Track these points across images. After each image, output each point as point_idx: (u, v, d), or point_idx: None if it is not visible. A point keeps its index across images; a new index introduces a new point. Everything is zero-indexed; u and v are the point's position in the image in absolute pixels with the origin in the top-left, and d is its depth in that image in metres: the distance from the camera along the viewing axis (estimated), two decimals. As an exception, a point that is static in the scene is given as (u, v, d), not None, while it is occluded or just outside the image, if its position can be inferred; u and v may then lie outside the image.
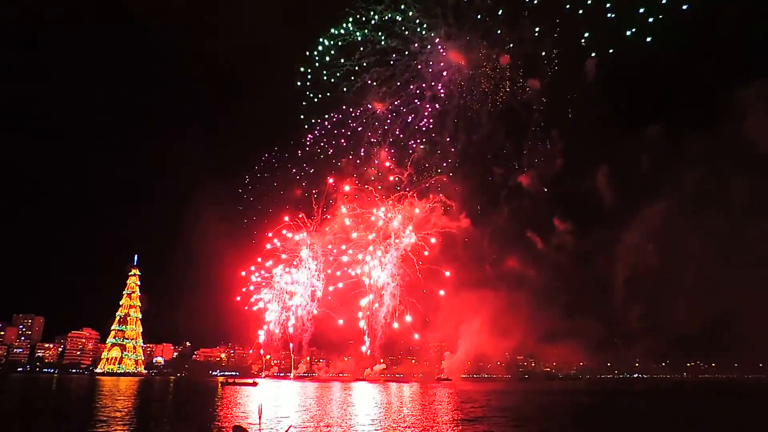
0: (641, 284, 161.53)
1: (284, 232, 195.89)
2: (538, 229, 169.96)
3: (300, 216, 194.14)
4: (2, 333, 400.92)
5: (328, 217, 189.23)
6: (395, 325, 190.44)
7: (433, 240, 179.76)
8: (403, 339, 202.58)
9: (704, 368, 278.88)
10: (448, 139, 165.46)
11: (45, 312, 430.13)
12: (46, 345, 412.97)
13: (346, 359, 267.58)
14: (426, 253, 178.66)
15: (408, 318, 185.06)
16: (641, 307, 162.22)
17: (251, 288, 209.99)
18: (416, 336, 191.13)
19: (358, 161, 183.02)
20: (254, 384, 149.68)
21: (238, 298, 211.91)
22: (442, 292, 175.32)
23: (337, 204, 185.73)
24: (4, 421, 42.38)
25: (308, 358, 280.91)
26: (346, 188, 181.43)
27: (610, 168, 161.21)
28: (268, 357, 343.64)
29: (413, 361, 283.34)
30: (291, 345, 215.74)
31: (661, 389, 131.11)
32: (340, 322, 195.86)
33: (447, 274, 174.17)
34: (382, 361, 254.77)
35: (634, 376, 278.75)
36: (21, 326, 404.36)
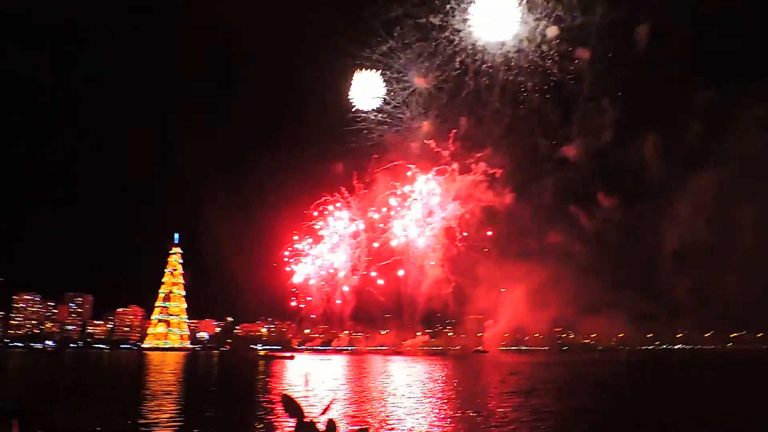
0: (690, 257, 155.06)
1: (325, 207, 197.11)
2: (583, 202, 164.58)
3: (341, 190, 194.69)
4: (55, 311, 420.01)
5: (369, 191, 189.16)
6: (434, 298, 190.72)
7: (469, 216, 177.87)
8: (443, 312, 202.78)
9: (750, 339, 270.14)
10: (492, 113, 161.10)
11: (94, 291, 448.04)
12: (96, 322, 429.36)
13: (384, 332, 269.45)
14: (465, 234, 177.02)
15: (448, 290, 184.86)
16: (689, 281, 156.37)
17: (291, 262, 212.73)
18: (454, 308, 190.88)
19: (401, 136, 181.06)
20: (291, 357, 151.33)
21: (278, 270, 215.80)
22: (482, 266, 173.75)
23: (379, 177, 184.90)
24: (64, 394, 43.37)
25: (347, 332, 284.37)
26: (389, 164, 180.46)
27: (658, 137, 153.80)
28: (307, 331, 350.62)
29: (450, 334, 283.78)
30: (331, 318, 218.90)
31: (710, 361, 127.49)
32: (379, 295, 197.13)
33: (485, 250, 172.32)
34: (420, 334, 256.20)
35: (677, 347, 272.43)
36: (72, 304, 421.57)
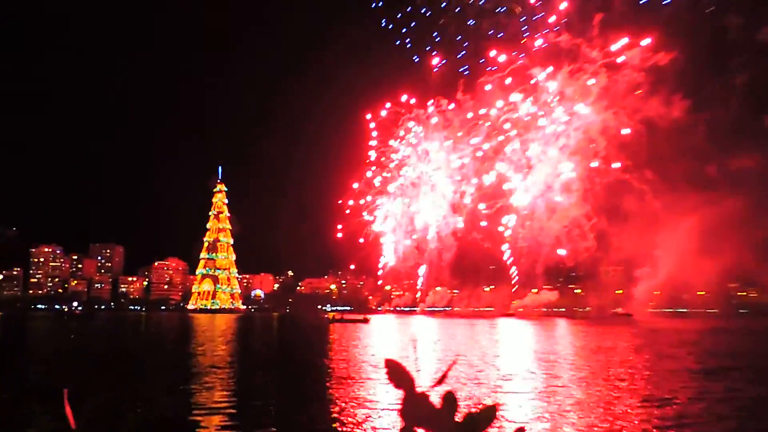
0: None
1: (410, 123, 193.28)
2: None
3: (436, 99, 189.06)
4: (80, 266, 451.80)
5: (475, 101, 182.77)
6: (562, 243, 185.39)
7: (619, 132, 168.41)
8: (572, 261, 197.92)
9: None
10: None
11: (125, 241, 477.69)
12: (129, 279, 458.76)
13: (488, 288, 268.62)
14: (599, 154, 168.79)
15: (583, 232, 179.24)
16: None
17: (368, 201, 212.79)
18: (589, 257, 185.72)
19: (521, 24, 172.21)
20: (365, 320, 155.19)
21: (350, 211, 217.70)
22: (632, 199, 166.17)
23: (487, 81, 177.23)
24: (101, 366, 44.68)
25: (439, 288, 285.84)
26: (502, 58, 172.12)
27: None
28: (388, 287, 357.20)
29: (578, 291, 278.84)
30: (422, 271, 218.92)
31: None
32: (484, 240, 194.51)
33: (639, 178, 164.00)
34: (535, 291, 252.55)
35: None
36: (99, 257, 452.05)
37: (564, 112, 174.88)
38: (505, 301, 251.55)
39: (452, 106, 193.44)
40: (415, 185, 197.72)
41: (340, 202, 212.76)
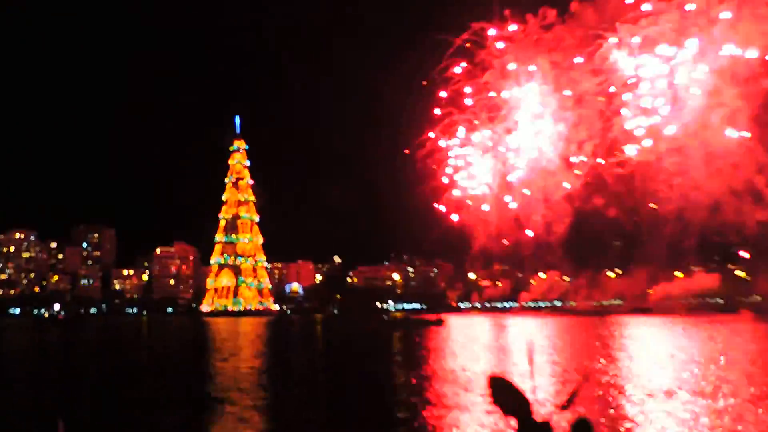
0: None
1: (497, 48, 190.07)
2: None
3: (542, 10, 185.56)
4: (60, 256, 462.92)
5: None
6: (721, 203, 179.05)
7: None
8: (731, 235, 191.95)
9: None
10: None
11: (117, 223, 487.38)
12: (125, 272, 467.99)
13: (615, 274, 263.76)
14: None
15: (747, 191, 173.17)
16: None
17: (445, 155, 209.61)
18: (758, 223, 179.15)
19: None
20: (439, 322, 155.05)
21: (418, 172, 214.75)
22: None
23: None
24: (81, 398, 45.08)
25: (543, 275, 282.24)
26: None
27: None
28: (473, 276, 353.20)
29: (742, 274, 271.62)
30: (520, 252, 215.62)
31: None
32: (609, 207, 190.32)
33: None
34: (679, 274, 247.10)
35: None
36: (85, 244, 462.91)
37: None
38: (639, 290, 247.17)
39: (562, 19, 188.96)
40: (512, 132, 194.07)
41: (408, 152, 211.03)
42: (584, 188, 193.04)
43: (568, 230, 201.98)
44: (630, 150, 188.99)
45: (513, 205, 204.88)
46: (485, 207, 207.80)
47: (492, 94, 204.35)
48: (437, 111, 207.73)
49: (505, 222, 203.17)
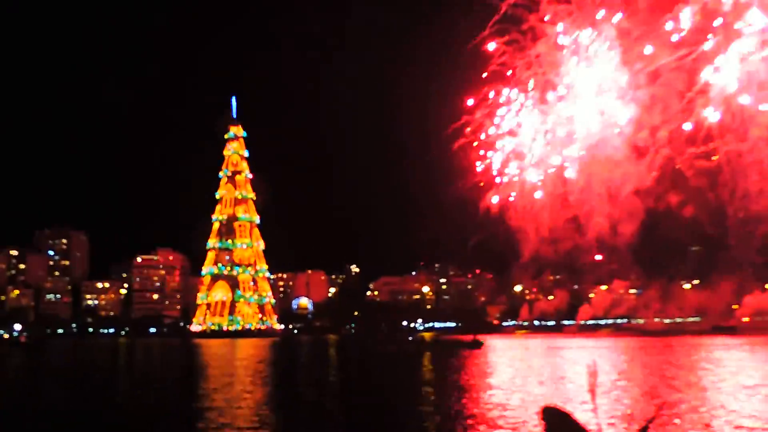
0: None
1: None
2: None
3: None
4: (22, 266, 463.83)
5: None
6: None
7: None
8: None
9: None
10: None
11: (89, 226, 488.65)
12: (99, 285, 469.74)
13: (692, 286, 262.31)
14: None
15: None
16: None
17: (490, 141, 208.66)
18: None
19: None
20: (478, 344, 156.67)
21: (454, 158, 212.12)
22: None
23: None
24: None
25: (603, 287, 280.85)
26: None
27: None
28: (518, 288, 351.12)
29: None
30: (579, 255, 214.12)
31: None
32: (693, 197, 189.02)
33: None
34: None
35: None
36: (51, 252, 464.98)
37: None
38: (722, 305, 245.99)
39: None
40: (570, 115, 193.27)
41: (442, 137, 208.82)
42: (657, 183, 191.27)
43: (637, 233, 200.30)
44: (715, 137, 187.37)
45: (570, 202, 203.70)
46: (537, 197, 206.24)
47: (545, 68, 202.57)
48: (478, 88, 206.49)
49: (561, 223, 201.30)
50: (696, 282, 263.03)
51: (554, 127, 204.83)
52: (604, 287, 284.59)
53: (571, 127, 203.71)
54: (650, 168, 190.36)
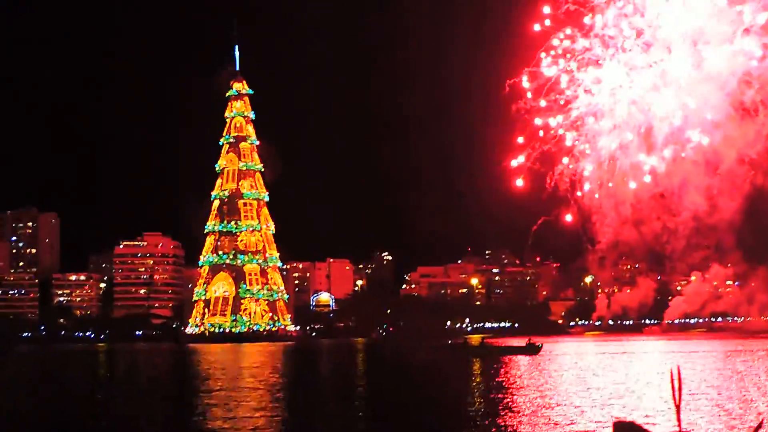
0: None
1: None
2: None
3: None
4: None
5: None
6: None
7: None
8: None
9: None
10: None
11: (59, 205, 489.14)
12: (72, 277, 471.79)
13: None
14: None
15: None
16: None
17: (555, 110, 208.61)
18: None
19: None
20: (533, 350, 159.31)
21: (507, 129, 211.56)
22: None
23: None
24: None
25: (693, 278, 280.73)
26: None
27: None
28: (589, 279, 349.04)
29: None
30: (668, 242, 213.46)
31: None
32: None
33: None
34: None
35: None
36: (13, 238, 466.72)
37: None
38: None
39: None
40: (657, 63, 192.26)
41: (501, 93, 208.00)
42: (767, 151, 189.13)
43: (740, 214, 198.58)
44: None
45: (658, 174, 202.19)
46: (618, 168, 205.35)
47: (626, 12, 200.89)
48: (543, 37, 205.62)
49: (645, 201, 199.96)
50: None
51: (638, 81, 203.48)
52: (695, 277, 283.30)
53: (659, 80, 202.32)
54: (759, 132, 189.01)
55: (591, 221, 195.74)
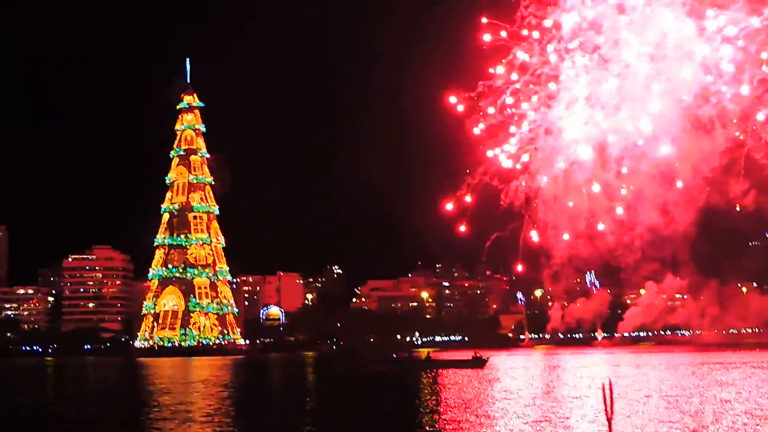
0: None
1: None
2: None
3: None
4: None
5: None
6: None
7: None
8: None
9: None
10: None
11: (7, 218, 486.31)
12: (20, 291, 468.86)
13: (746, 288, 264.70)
14: None
15: None
16: None
17: (506, 114, 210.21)
18: None
19: None
20: (478, 363, 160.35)
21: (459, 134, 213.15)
22: None
23: None
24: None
25: (644, 291, 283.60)
26: None
27: None
28: (539, 292, 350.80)
29: None
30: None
31: None
32: None
33: None
34: None
35: None
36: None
37: None
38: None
39: None
40: (612, 67, 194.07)
41: (447, 102, 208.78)
42: (722, 167, 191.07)
43: (694, 224, 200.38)
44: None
45: (613, 187, 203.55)
46: (573, 182, 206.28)
47: (582, 27, 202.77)
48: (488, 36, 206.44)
49: (600, 215, 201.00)
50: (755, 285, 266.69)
51: (595, 96, 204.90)
52: (644, 291, 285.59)
53: (614, 86, 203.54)
54: (714, 147, 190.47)
55: (545, 235, 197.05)
